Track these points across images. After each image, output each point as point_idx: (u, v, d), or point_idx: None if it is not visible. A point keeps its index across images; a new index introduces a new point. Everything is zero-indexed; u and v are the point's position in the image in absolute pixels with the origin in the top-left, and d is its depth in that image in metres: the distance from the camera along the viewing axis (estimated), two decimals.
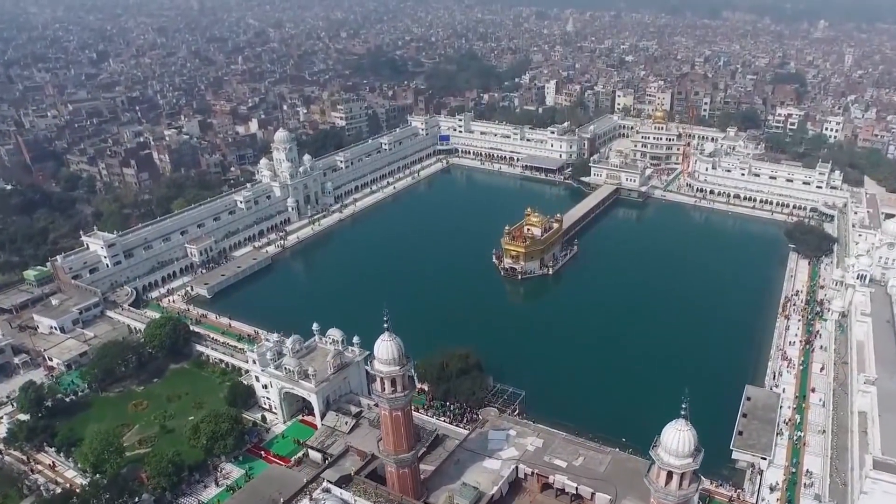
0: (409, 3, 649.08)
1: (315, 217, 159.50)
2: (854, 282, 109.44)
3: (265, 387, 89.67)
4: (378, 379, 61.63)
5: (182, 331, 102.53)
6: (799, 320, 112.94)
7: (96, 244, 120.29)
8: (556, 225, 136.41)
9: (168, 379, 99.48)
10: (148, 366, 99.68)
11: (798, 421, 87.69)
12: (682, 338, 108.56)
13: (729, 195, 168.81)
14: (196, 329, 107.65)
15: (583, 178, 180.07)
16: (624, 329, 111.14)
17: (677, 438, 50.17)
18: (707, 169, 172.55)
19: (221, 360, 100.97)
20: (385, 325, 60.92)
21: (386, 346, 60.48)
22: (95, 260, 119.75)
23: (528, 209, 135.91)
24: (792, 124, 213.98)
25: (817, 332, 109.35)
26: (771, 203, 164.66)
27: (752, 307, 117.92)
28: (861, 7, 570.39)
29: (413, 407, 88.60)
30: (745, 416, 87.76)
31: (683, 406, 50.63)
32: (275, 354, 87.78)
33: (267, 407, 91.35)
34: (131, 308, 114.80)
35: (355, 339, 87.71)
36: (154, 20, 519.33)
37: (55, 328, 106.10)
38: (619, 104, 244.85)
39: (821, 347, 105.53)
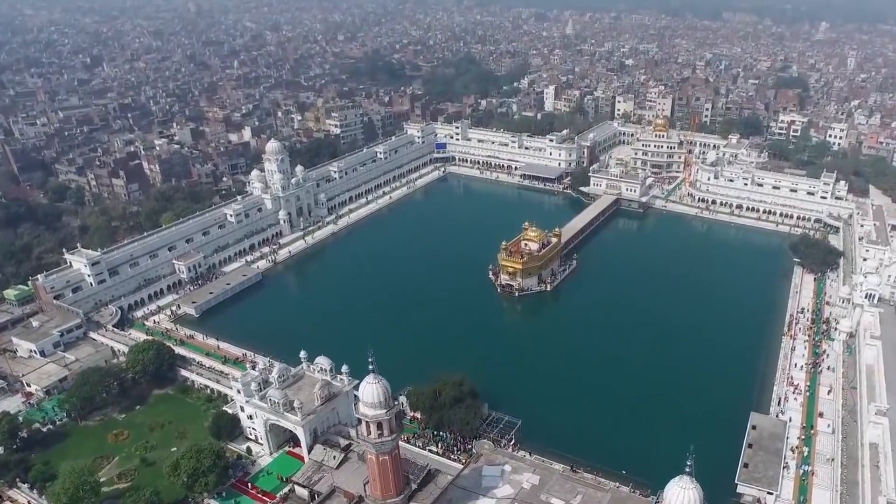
0: (408, 4, 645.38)
1: (308, 229, 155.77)
2: (862, 301, 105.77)
3: (250, 417, 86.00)
4: (364, 423, 58.06)
5: (166, 355, 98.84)
6: (805, 341, 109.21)
7: (79, 262, 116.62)
8: (554, 239, 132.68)
9: (151, 406, 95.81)
10: (130, 392, 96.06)
11: (806, 453, 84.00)
12: (684, 359, 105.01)
13: (732, 206, 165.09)
14: (181, 352, 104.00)
15: (582, 188, 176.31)
16: (624, 350, 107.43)
17: (682, 498, 46.51)
18: (709, 178, 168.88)
19: (207, 386, 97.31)
20: (370, 367, 57.34)
21: (371, 389, 56.95)
22: (79, 279, 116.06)
23: (526, 223, 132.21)
24: (795, 131, 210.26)
25: (824, 351, 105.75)
26: (775, 214, 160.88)
27: (757, 326, 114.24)
28: (862, 8, 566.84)
29: (405, 436, 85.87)
30: (750, 446, 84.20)
31: (688, 463, 46.90)
32: (260, 384, 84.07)
33: (253, 437, 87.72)
34: (115, 329, 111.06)
35: (344, 368, 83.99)
36: (151, 23, 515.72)
37: (35, 352, 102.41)
38: (619, 110, 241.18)
39: (828, 368, 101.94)
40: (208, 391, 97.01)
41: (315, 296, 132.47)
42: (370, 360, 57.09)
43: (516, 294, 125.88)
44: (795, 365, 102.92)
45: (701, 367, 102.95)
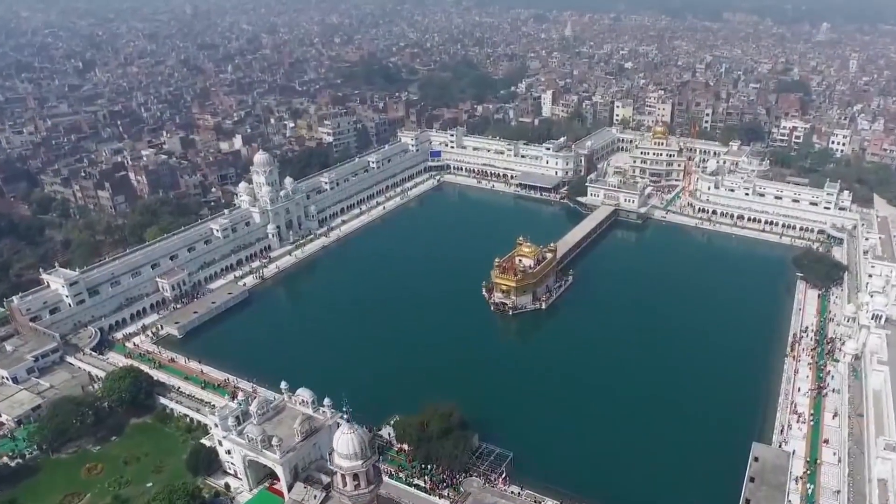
0: (406, 5, 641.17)
1: (298, 242, 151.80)
2: (868, 322, 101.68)
3: (228, 452, 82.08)
4: (339, 474, 54.14)
5: (144, 382, 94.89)
6: (809, 364, 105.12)
7: (57, 282, 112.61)
8: (549, 255, 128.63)
9: (128, 436, 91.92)
10: (106, 421, 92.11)
11: (810, 491, 79.99)
12: (684, 384, 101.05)
13: (733, 216, 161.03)
14: (161, 377, 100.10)
15: (579, 198, 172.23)
16: (619, 374, 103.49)
17: None
18: (709, 188, 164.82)
19: (187, 415, 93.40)
20: (345, 417, 53.47)
21: (346, 440, 53.07)
22: (56, 299, 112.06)
23: (520, 238, 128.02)
24: (797, 138, 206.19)
25: (828, 373, 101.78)
26: (777, 225, 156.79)
27: (758, 346, 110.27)
28: (863, 8, 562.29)
29: (391, 468, 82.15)
30: (752, 480, 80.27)
31: None
32: (239, 416, 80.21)
33: (232, 472, 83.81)
34: (94, 353, 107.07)
35: (326, 401, 79.90)
36: (147, 25, 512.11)
37: (7, 379, 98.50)
38: (617, 115, 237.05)
39: (833, 391, 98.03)
40: (188, 420, 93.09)
41: (302, 315, 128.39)
42: (344, 409, 53.11)
43: (510, 313, 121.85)
44: (799, 390, 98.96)
45: (701, 392, 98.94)
